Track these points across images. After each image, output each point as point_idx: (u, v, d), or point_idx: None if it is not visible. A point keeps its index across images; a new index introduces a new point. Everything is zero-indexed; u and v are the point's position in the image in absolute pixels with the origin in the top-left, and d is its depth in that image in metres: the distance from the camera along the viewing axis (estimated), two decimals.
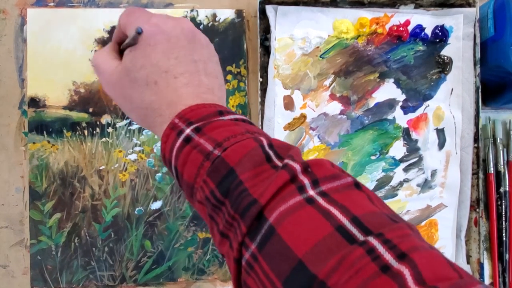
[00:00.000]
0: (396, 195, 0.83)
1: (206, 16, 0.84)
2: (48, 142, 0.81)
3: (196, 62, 0.53)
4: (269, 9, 0.82)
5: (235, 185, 0.43)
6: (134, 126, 0.82)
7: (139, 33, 0.52)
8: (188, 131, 0.47)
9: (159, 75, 0.52)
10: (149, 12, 0.55)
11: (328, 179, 0.42)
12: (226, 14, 0.85)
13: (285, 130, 0.82)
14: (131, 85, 0.53)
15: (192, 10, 0.84)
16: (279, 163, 0.44)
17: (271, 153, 0.45)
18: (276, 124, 0.82)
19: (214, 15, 0.84)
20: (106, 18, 0.83)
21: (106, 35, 0.83)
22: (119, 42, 0.58)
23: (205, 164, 0.45)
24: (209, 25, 0.84)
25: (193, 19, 0.84)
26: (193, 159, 0.46)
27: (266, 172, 0.43)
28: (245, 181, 0.43)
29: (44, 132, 0.81)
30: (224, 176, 0.44)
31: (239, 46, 0.85)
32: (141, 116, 0.54)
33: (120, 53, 0.57)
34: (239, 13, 0.85)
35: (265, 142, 0.46)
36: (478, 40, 0.82)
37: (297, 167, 0.42)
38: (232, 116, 0.50)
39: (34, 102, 0.81)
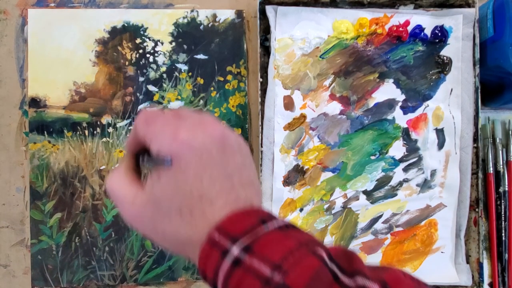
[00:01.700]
0: (396, 195, 0.84)
1: (206, 17, 0.84)
2: (49, 142, 0.81)
3: (231, 176, 0.47)
4: (269, 9, 0.82)
5: None
6: None
7: (168, 165, 0.46)
8: (236, 252, 0.42)
9: (194, 203, 0.45)
10: (173, 120, 0.48)
11: None
12: (226, 15, 0.85)
13: (285, 130, 0.83)
14: (161, 218, 0.47)
15: (192, 11, 0.84)
16: (349, 283, 0.40)
17: (335, 269, 0.41)
18: (276, 124, 0.82)
19: (214, 16, 0.85)
20: (107, 18, 0.83)
21: (106, 35, 0.83)
22: (135, 153, 0.51)
23: None
24: (209, 25, 0.84)
25: (193, 20, 0.84)
26: (249, 285, 0.40)
27: None
28: None
29: (45, 132, 0.81)
30: None
31: (239, 47, 0.85)
32: (177, 249, 0.48)
33: (137, 166, 0.51)
34: (239, 13, 0.85)
35: (325, 256, 0.41)
36: (477, 40, 0.82)
37: (376, 286, 0.39)
38: (275, 224, 0.44)
39: (35, 102, 0.81)
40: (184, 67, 0.83)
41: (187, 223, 0.45)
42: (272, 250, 0.41)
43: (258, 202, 0.48)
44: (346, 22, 0.83)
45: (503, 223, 0.84)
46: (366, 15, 0.83)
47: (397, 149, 0.84)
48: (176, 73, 0.83)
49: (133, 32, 0.83)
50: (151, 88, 0.83)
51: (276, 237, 0.42)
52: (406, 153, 0.84)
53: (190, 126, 0.47)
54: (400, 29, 0.83)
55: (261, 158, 0.81)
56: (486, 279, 0.83)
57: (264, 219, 0.44)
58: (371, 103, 0.84)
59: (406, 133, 0.84)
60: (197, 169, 0.46)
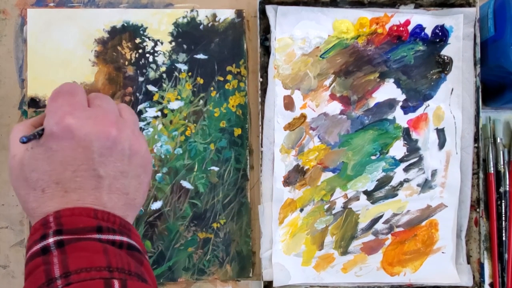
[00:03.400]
0: (396, 195, 0.83)
1: (206, 16, 0.84)
2: None
3: (102, 178, 0.48)
4: (269, 9, 0.82)
5: None
6: None
7: (39, 134, 0.48)
8: (51, 241, 0.44)
9: (49, 184, 0.47)
10: (76, 100, 0.50)
11: None
12: (226, 14, 0.85)
13: (285, 130, 0.82)
14: (21, 182, 0.49)
15: (192, 10, 0.84)
16: None
17: None
18: (276, 124, 0.82)
19: (214, 15, 0.84)
20: (106, 18, 0.83)
21: (106, 35, 0.83)
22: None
23: None
24: (209, 25, 0.84)
25: (193, 19, 0.84)
26: (36, 277, 0.42)
27: None
28: None
29: None
30: None
31: (239, 46, 0.85)
32: (26, 212, 0.50)
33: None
34: (239, 13, 0.85)
35: None
36: (478, 40, 0.82)
37: None
38: (111, 237, 0.46)
39: (34, 103, 0.81)
40: (184, 67, 0.83)
41: (36, 197, 0.47)
42: (77, 258, 0.43)
43: (121, 213, 0.50)
44: (347, 22, 0.83)
45: (503, 223, 0.84)
46: (367, 14, 0.83)
47: (398, 149, 0.84)
48: (176, 73, 0.83)
49: (132, 32, 0.83)
50: (151, 88, 0.83)
51: (95, 247, 0.44)
52: (406, 153, 0.84)
53: (85, 116, 0.49)
54: (401, 28, 0.83)
55: (261, 158, 0.81)
56: (487, 280, 0.83)
57: (101, 227, 0.46)
58: (372, 103, 0.83)
59: (406, 133, 0.83)
60: (66, 157, 0.47)
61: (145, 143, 0.54)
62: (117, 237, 0.46)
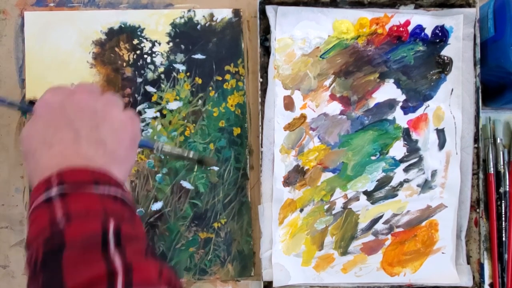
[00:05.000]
0: (396, 195, 0.83)
1: (204, 16, 0.84)
2: None
3: (78, 129, 0.54)
4: (269, 9, 0.82)
5: (55, 262, 0.43)
6: None
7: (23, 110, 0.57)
8: (53, 193, 0.48)
9: (37, 145, 0.54)
10: (60, 89, 0.59)
11: None
12: (223, 14, 0.85)
13: (285, 130, 0.82)
14: (24, 148, 0.56)
15: (189, 11, 0.84)
16: (112, 252, 0.44)
17: (112, 240, 0.45)
18: (276, 124, 0.82)
19: (212, 15, 0.84)
20: (103, 19, 0.83)
21: (103, 36, 0.83)
22: None
23: (46, 231, 0.45)
24: (207, 25, 0.84)
25: (190, 20, 0.84)
26: (40, 221, 0.47)
27: (93, 259, 0.43)
28: (64, 261, 0.43)
29: None
30: (53, 248, 0.44)
31: (237, 46, 0.85)
32: (32, 181, 0.54)
33: None
34: (236, 12, 0.85)
35: (112, 227, 0.46)
36: (478, 40, 0.82)
37: (120, 267, 0.42)
38: (106, 190, 0.50)
39: (33, 104, 0.81)
40: (182, 67, 0.83)
41: (31, 160, 0.54)
42: (78, 204, 0.47)
43: (102, 162, 0.53)
44: (347, 22, 0.83)
45: (503, 224, 0.84)
46: (367, 15, 0.83)
47: (398, 150, 0.83)
48: (174, 74, 0.83)
49: (130, 33, 0.83)
50: (149, 89, 0.83)
51: (92, 196, 0.49)
52: (406, 154, 0.84)
53: (60, 91, 0.58)
54: (401, 29, 0.83)
55: (261, 159, 0.81)
56: (487, 280, 0.83)
57: (98, 181, 0.50)
58: (372, 103, 0.83)
59: (406, 133, 0.83)
60: (46, 119, 0.55)
61: (119, 108, 0.59)
62: (112, 191, 0.51)
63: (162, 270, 0.45)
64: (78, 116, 0.55)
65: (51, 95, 0.57)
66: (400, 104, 0.83)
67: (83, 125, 0.55)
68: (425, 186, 0.83)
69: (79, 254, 0.43)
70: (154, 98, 0.83)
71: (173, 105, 0.83)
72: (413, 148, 0.84)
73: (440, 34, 0.83)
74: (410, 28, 0.83)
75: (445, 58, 0.83)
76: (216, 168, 0.83)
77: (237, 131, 0.83)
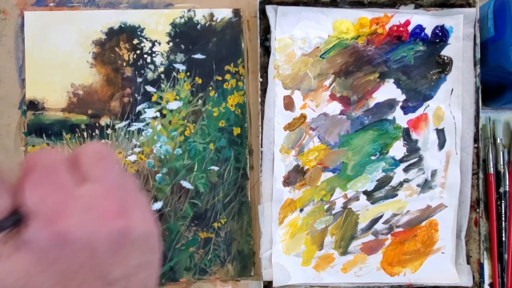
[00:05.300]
0: (396, 195, 0.83)
1: (204, 16, 0.84)
2: (48, 144, 0.81)
3: (116, 280, 0.37)
4: (269, 9, 0.82)
5: None
6: (133, 127, 0.82)
7: (13, 223, 0.34)
8: None
9: None
10: (62, 186, 0.36)
11: None
12: (223, 14, 0.85)
13: (285, 130, 0.82)
14: None
15: (189, 10, 0.84)
16: None
17: None
18: (276, 124, 0.82)
19: (211, 15, 0.84)
20: (103, 19, 0.83)
21: (103, 36, 0.83)
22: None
23: None
24: (207, 24, 0.84)
25: (190, 19, 0.84)
26: None
27: None
28: None
29: (43, 135, 0.81)
30: None
31: (237, 45, 0.85)
32: None
33: None
34: (236, 12, 0.85)
35: None
36: (478, 40, 0.82)
37: None
38: None
39: (33, 105, 0.81)
40: (182, 67, 0.83)
41: None
42: None
43: None
44: (347, 22, 0.83)
45: (503, 224, 0.84)
46: (367, 14, 0.83)
47: (398, 149, 0.83)
48: (174, 73, 0.83)
49: (130, 32, 0.83)
50: (149, 88, 0.83)
51: None
52: (406, 153, 0.84)
53: (81, 208, 0.35)
54: (401, 29, 0.83)
55: (261, 158, 0.81)
56: (487, 280, 0.83)
57: None
58: (372, 103, 0.83)
59: (406, 133, 0.83)
60: (67, 267, 0.35)
61: (153, 215, 0.41)
62: None
63: None
64: (115, 260, 0.37)
65: (72, 223, 0.34)
66: (400, 104, 0.83)
67: (121, 272, 0.37)
68: (425, 186, 0.84)
69: None
70: (154, 98, 0.83)
71: (173, 105, 0.83)
72: (413, 148, 0.84)
73: (440, 34, 0.83)
74: (410, 28, 0.83)
75: (445, 58, 0.83)
76: (216, 168, 0.83)
77: (237, 131, 0.83)
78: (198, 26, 0.84)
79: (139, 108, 0.82)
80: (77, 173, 0.37)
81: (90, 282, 0.35)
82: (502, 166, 0.85)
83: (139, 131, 0.82)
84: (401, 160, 0.83)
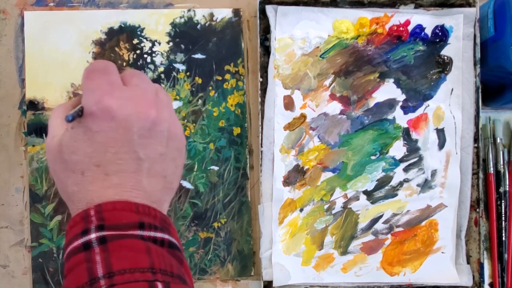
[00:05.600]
0: (396, 195, 0.83)
1: (204, 16, 0.84)
2: None
3: (141, 160, 0.47)
4: (269, 9, 0.82)
5: None
6: None
7: (79, 115, 0.47)
8: (93, 236, 0.42)
9: (89, 167, 0.46)
10: (112, 79, 0.48)
11: None
12: (223, 13, 0.84)
13: (285, 130, 0.82)
14: (60, 164, 0.48)
15: (189, 10, 0.84)
16: None
17: None
18: (276, 124, 0.82)
19: (211, 15, 0.84)
20: (103, 19, 0.83)
21: (103, 36, 0.83)
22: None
23: None
24: (206, 24, 0.84)
25: (190, 19, 0.84)
26: (78, 274, 0.41)
27: None
28: None
29: (44, 135, 0.81)
30: None
31: (237, 45, 0.85)
32: (64, 197, 0.49)
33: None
34: (236, 12, 0.85)
35: None
36: (478, 40, 0.82)
37: None
38: (152, 234, 0.45)
39: (33, 105, 0.81)
40: (182, 67, 0.83)
41: (76, 180, 0.46)
42: (120, 257, 0.42)
43: (159, 196, 0.49)
44: (347, 22, 0.83)
45: (503, 223, 0.84)
46: (367, 14, 0.83)
47: (398, 149, 0.84)
48: (174, 73, 0.83)
49: (130, 32, 0.83)
50: None
51: (137, 246, 0.43)
52: (406, 153, 0.84)
53: (124, 96, 0.47)
54: (401, 28, 0.83)
55: (261, 158, 0.81)
56: (487, 280, 0.83)
57: (143, 223, 0.44)
58: (372, 103, 0.83)
59: (406, 133, 0.83)
60: (106, 138, 0.46)
61: (181, 126, 0.53)
62: (159, 234, 0.45)
63: None
64: (143, 142, 0.47)
65: (118, 106, 0.46)
66: (400, 103, 0.83)
67: (148, 154, 0.48)
68: (425, 185, 0.84)
69: None
70: None
71: (173, 104, 0.82)
72: (413, 148, 0.84)
73: (440, 33, 0.83)
74: (410, 27, 0.83)
75: (445, 57, 0.83)
76: (216, 168, 0.83)
77: (237, 130, 0.83)
78: (198, 26, 0.84)
79: None
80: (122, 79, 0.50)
81: (122, 154, 0.46)
82: (502, 166, 0.85)
83: None
84: (401, 160, 0.84)
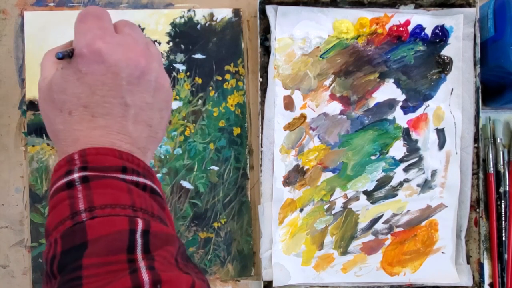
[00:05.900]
0: (396, 195, 0.83)
1: (204, 16, 0.84)
2: (48, 144, 0.81)
3: (128, 106, 0.48)
4: (269, 9, 0.82)
5: (74, 267, 0.39)
6: None
7: (69, 56, 0.48)
8: (76, 176, 0.43)
9: (76, 107, 0.47)
10: (105, 25, 0.50)
11: None
12: (223, 14, 0.84)
13: (285, 130, 0.82)
14: (49, 103, 0.49)
15: (189, 10, 0.84)
16: (139, 259, 0.40)
17: (139, 242, 0.41)
18: (276, 124, 0.82)
19: (212, 15, 0.84)
20: None
21: None
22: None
23: (66, 223, 0.41)
24: (207, 24, 0.84)
25: (190, 19, 0.84)
26: (61, 210, 0.42)
27: (117, 265, 0.40)
28: (85, 268, 0.39)
29: (43, 135, 0.81)
30: (74, 247, 0.40)
31: (237, 45, 0.85)
32: (52, 137, 0.51)
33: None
34: (236, 12, 0.85)
35: (140, 227, 0.42)
36: (478, 40, 0.82)
37: (147, 279, 0.38)
38: (135, 178, 0.46)
39: (33, 105, 0.81)
40: (182, 67, 0.83)
41: (63, 119, 0.48)
42: (102, 194, 0.43)
43: (143, 144, 0.50)
44: (347, 22, 0.83)
45: (503, 223, 0.84)
46: (367, 14, 0.83)
47: (398, 149, 0.84)
48: (174, 73, 0.83)
49: None
50: None
51: (119, 186, 0.44)
52: (406, 153, 0.84)
53: (115, 42, 0.49)
54: (401, 28, 0.83)
55: (261, 158, 0.81)
56: (487, 280, 0.83)
57: (126, 167, 0.46)
58: (372, 103, 0.83)
59: (406, 133, 0.83)
60: (95, 81, 0.47)
61: (169, 79, 0.54)
62: (141, 179, 0.47)
63: (194, 284, 0.40)
64: (131, 88, 0.49)
65: (108, 49, 0.47)
66: (400, 104, 0.83)
67: (135, 101, 0.49)
68: (425, 186, 0.84)
69: (102, 259, 0.40)
70: None
71: (173, 104, 0.82)
72: (413, 148, 0.84)
73: (440, 34, 0.83)
74: (410, 28, 0.83)
75: (445, 58, 0.83)
76: (216, 168, 0.83)
77: (237, 131, 0.83)
78: (198, 26, 0.84)
79: None
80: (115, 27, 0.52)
81: (109, 98, 0.47)
82: (502, 166, 0.85)
83: None
84: (401, 160, 0.84)
